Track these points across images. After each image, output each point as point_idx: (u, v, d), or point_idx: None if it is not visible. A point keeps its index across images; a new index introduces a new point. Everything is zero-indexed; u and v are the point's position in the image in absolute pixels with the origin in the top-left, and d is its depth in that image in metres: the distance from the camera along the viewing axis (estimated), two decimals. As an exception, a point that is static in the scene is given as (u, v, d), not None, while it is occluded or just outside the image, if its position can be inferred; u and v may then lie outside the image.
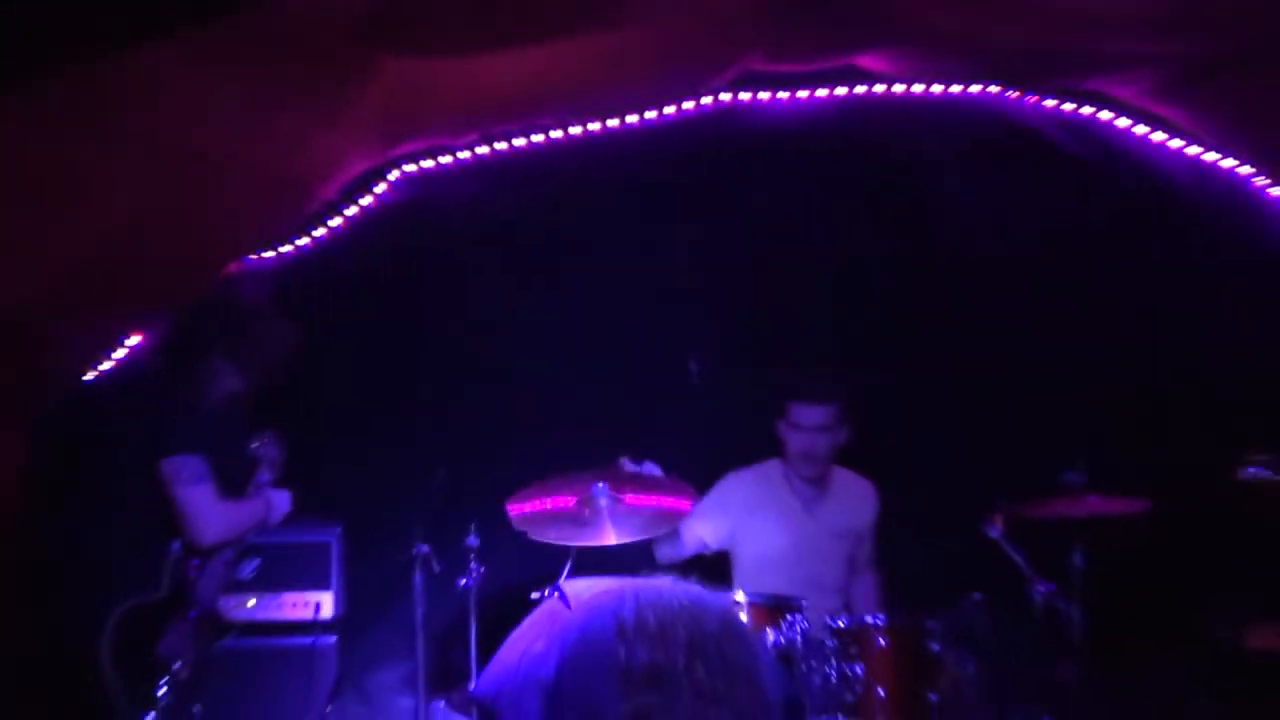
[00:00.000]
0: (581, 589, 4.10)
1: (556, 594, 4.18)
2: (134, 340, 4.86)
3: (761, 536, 5.39)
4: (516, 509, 4.57)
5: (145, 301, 4.69)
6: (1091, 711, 5.06)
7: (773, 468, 5.46)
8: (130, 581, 4.37)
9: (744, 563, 5.41)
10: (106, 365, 4.93)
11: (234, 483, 4.51)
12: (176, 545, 4.41)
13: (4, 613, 4.85)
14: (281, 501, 4.69)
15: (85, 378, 4.89)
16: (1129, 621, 5.31)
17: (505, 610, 5.12)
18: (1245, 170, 5.24)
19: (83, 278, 4.12)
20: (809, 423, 5.29)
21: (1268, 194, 5.25)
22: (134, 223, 4.06)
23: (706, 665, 3.56)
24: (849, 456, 5.49)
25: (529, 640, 3.98)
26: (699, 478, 5.12)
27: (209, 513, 4.37)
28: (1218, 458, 5.39)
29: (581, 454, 4.86)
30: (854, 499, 5.50)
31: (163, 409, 4.44)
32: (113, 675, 4.22)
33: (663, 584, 3.93)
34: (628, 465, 4.75)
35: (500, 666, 4.03)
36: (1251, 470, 4.75)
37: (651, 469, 4.84)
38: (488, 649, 5.22)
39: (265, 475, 4.66)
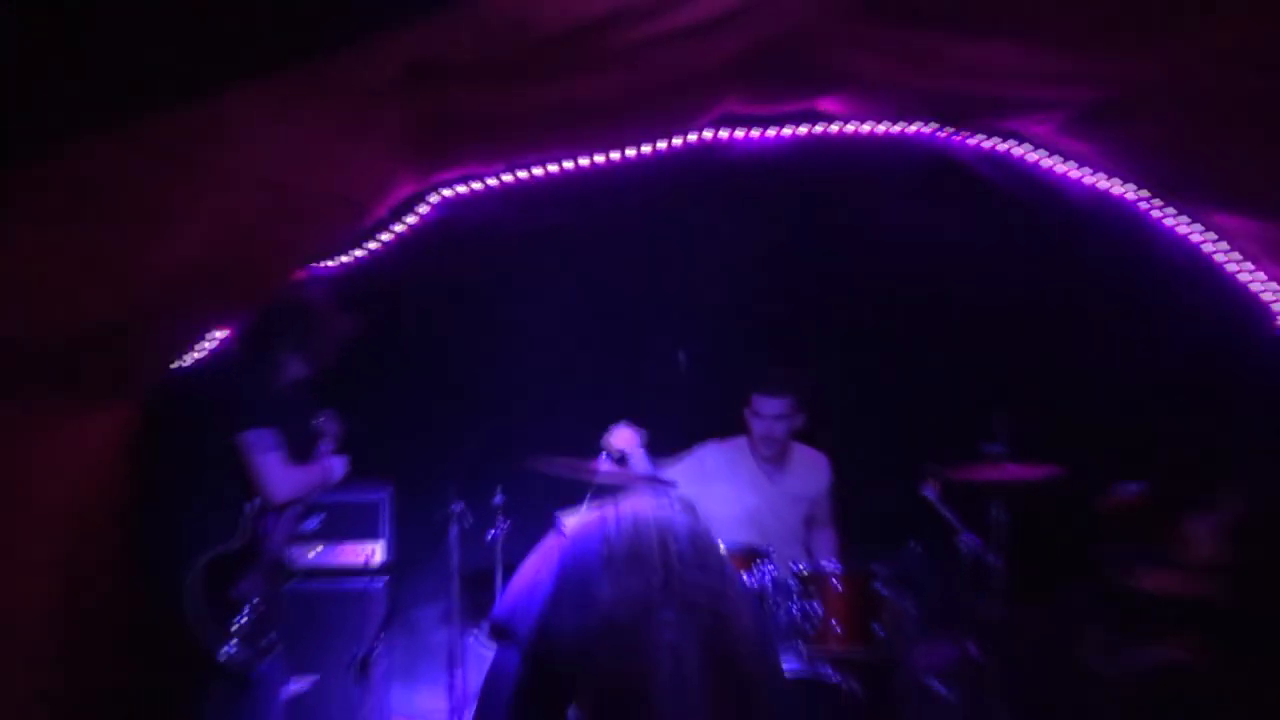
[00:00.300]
0: (575, 519, 4.11)
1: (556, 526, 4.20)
2: (220, 334, 4.87)
3: (732, 498, 5.43)
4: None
5: (227, 303, 4.65)
6: (1008, 640, 5.13)
7: (742, 444, 5.50)
8: (213, 534, 4.42)
9: (717, 519, 5.33)
10: (196, 354, 4.95)
11: (300, 451, 4.55)
12: (252, 504, 4.49)
13: (110, 561, 4.94)
14: (338, 467, 4.72)
15: (177, 365, 4.89)
16: (1040, 566, 5.30)
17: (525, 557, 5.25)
18: (1134, 194, 5.27)
19: (175, 285, 4.07)
20: (769, 412, 5.36)
21: (1151, 214, 5.28)
22: (218, 240, 4.02)
23: (679, 549, 3.59)
24: (808, 435, 5.52)
25: (534, 566, 4.00)
26: (682, 443, 5.21)
27: (279, 476, 4.43)
28: (1112, 435, 5.51)
29: (589, 428, 4.98)
30: (809, 470, 5.54)
31: (242, 390, 4.51)
32: (201, 611, 4.27)
33: (644, 501, 3.95)
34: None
35: (511, 591, 4.03)
36: (1128, 488, 4.78)
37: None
38: None
39: (326, 445, 4.70)
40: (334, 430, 4.85)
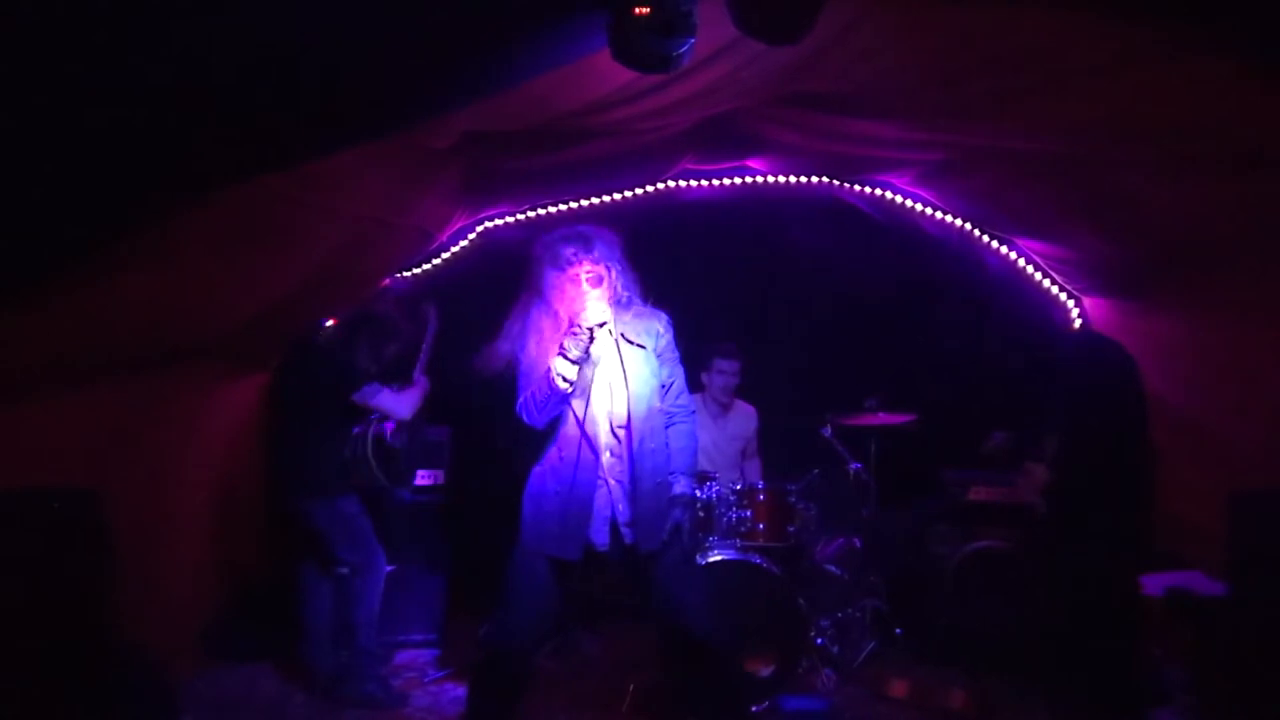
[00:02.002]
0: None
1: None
2: (329, 322, 4.88)
3: None
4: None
5: (334, 302, 4.74)
6: (880, 533, 5.21)
7: (697, 398, 5.45)
8: (327, 453, 4.52)
9: None
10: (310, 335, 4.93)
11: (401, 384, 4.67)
12: (358, 429, 4.58)
13: (249, 473, 4.98)
14: (425, 383, 4.76)
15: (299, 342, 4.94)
16: (903, 485, 5.35)
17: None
18: (966, 226, 5.31)
19: (298, 290, 4.10)
20: (728, 369, 5.35)
21: (980, 239, 5.32)
22: (328, 258, 4.06)
23: None
24: (745, 393, 5.54)
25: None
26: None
27: (396, 401, 4.54)
28: (954, 392, 5.58)
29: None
30: (744, 417, 5.52)
31: (350, 360, 4.59)
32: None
33: None
34: None
35: None
36: (995, 438, 4.79)
37: None
38: None
39: (419, 372, 4.77)
40: (434, 320, 4.86)
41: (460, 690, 4.73)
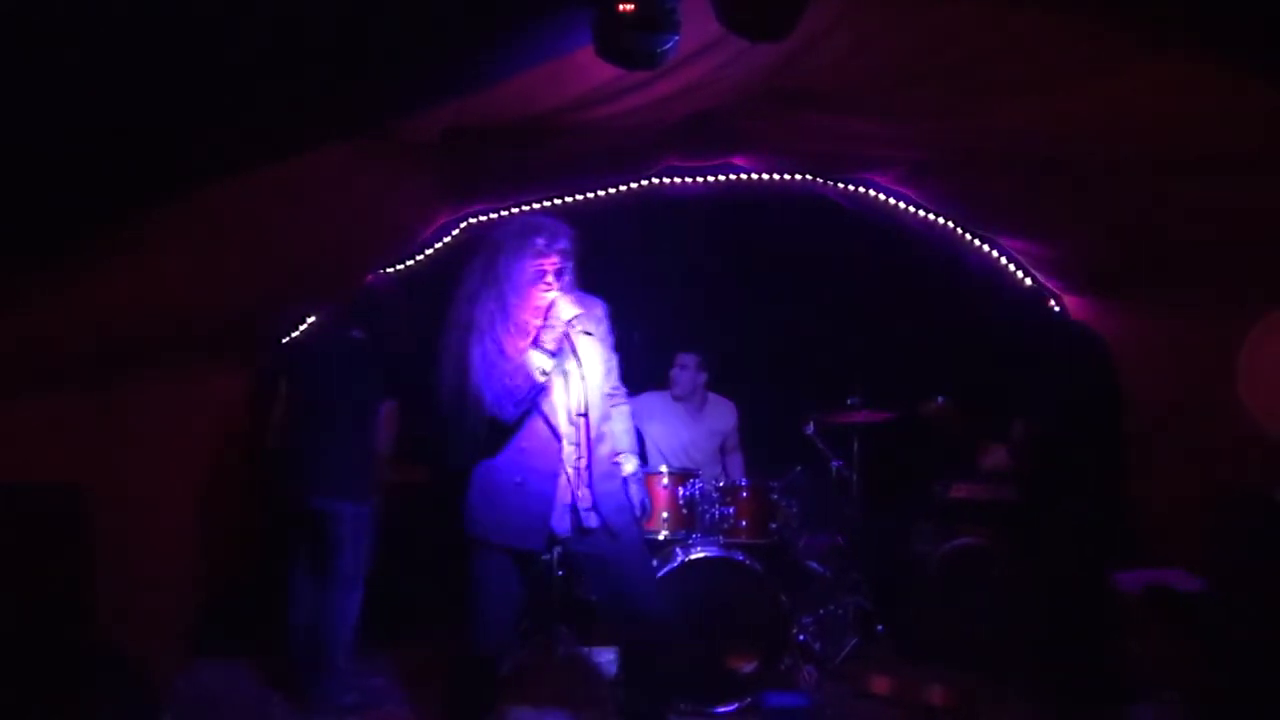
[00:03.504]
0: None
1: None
2: (312, 318, 4.86)
3: (670, 434, 5.39)
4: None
5: (318, 298, 4.72)
6: (864, 531, 5.22)
7: (668, 394, 5.45)
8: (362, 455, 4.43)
9: (659, 447, 5.39)
10: (295, 333, 4.95)
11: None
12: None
13: (236, 468, 4.92)
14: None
15: (283, 340, 4.92)
16: (884, 482, 5.38)
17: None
18: (946, 223, 5.33)
19: (282, 286, 4.11)
20: (687, 363, 5.36)
21: (963, 237, 5.35)
22: (314, 253, 4.06)
23: None
24: (726, 389, 5.52)
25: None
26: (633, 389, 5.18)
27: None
28: (938, 387, 5.57)
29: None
30: (722, 411, 5.49)
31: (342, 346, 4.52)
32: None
33: None
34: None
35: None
36: (937, 400, 4.80)
37: None
38: None
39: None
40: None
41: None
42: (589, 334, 3.58)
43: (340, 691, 4.38)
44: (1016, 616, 4.74)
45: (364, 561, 4.45)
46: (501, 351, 3.41)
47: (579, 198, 5.44)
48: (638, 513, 3.71)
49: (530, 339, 3.42)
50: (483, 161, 4.31)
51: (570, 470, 3.51)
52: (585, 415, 3.53)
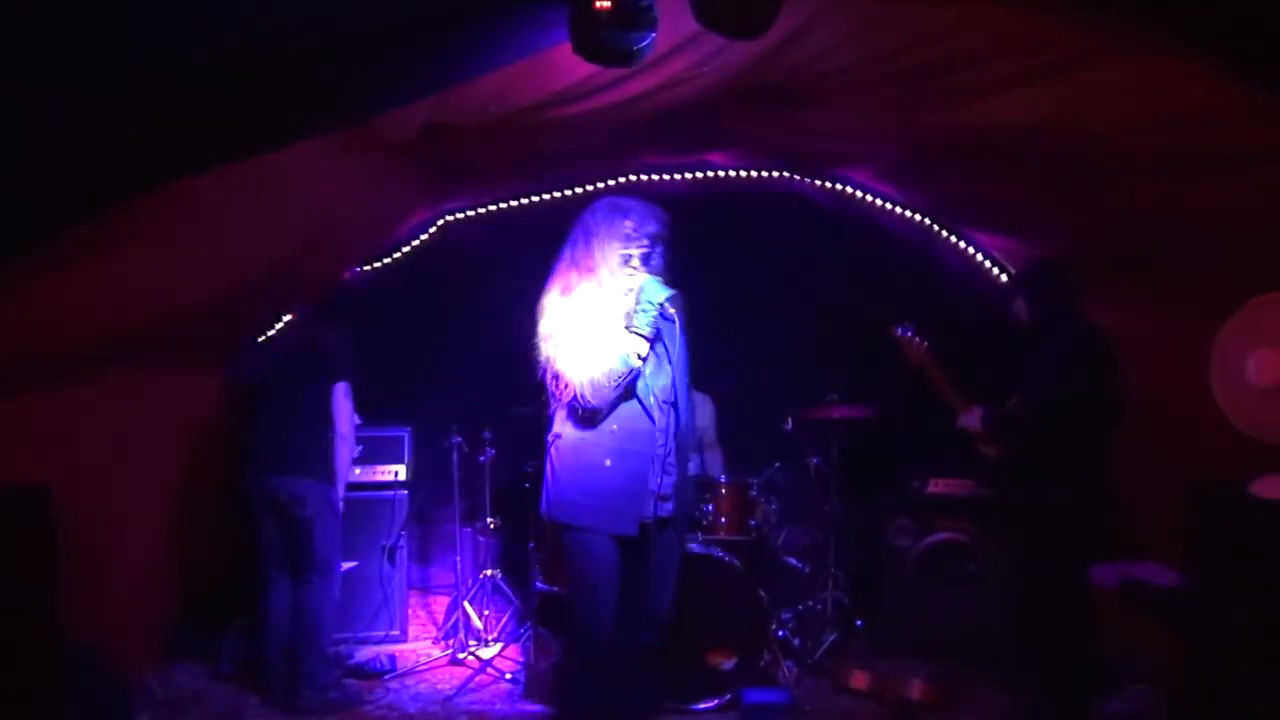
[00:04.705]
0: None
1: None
2: (287, 317, 4.81)
3: None
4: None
5: (291, 297, 4.68)
6: (843, 527, 5.22)
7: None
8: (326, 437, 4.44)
9: None
10: (270, 331, 4.89)
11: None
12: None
13: (207, 467, 4.87)
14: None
15: (254, 339, 4.85)
16: (862, 478, 5.36)
17: (509, 474, 5.23)
18: (922, 220, 5.36)
19: (253, 287, 4.06)
20: None
21: (940, 233, 5.36)
22: (285, 251, 4.02)
23: None
24: (700, 385, 5.50)
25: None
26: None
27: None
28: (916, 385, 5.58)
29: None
30: (699, 406, 5.21)
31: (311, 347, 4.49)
32: None
33: None
34: None
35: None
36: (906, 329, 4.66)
37: None
38: (499, 501, 5.30)
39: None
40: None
41: (422, 686, 4.72)
42: (672, 319, 3.47)
43: (324, 687, 4.38)
44: (994, 611, 4.77)
45: (337, 549, 4.47)
46: (588, 336, 3.36)
47: (556, 194, 5.42)
48: (695, 513, 3.59)
49: (624, 324, 3.38)
50: (460, 158, 4.29)
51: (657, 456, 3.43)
52: (674, 403, 3.47)
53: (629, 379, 3.37)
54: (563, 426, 3.49)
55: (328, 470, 4.43)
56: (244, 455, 4.46)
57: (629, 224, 3.44)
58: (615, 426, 3.39)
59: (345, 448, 4.52)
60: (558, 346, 3.38)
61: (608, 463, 3.37)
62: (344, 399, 4.47)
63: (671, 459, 3.45)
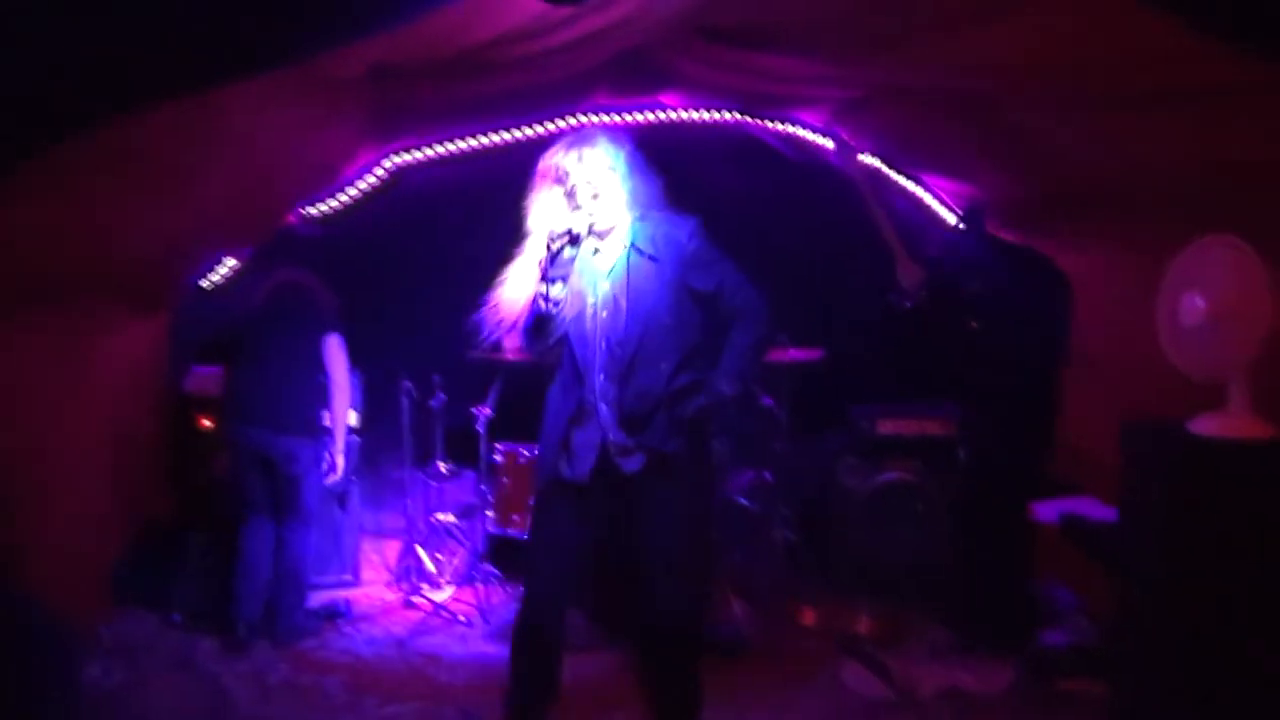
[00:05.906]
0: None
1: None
2: (230, 261, 4.76)
3: None
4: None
5: (235, 240, 4.63)
6: (792, 467, 5.30)
7: None
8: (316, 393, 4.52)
9: None
10: (213, 276, 4.86)
11: None
12: None
13: (149, 412, 4.85)
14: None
15: (200, 284, 4.81)
16: (811, 419, 5.44)
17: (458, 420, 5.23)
18: (878, 163, 5.38)
19: (195, 228, 3.99)
20: None
21: (891, 176, 5.40)
22: (229, 193, 3.92)
23: None
24: None
25: None
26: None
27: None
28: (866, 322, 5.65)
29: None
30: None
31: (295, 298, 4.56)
32: None
33: None
34: None
35: None
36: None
37: None
38: (450, 445, 5.30)
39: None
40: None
41: (377, 630, 4.75)
42: (652, 257, 3.19)
43: (290, 611, 4.50)
44: (939, 548, 4.88)
45: (321, 498, 4.61)
46: (514, 282, 3.18)
47: (506, 135, 5.36)
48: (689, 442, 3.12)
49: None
50: (408, 97, 4.21)
51: (604, 406, 3.11)
52: (629, 346, 3.10)
53: (543, 325, 3.14)
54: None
55: (316, 425, 4.52)
56: (231, 408, 4.49)
57: (556, 155, 3.23)
58: (562, 376, 3.23)
59: (342, 397, 4.56)
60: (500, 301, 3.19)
61: (560, 409, 3.21)
62: (338, 350, 4.51)
63: (606, 412, 3.11)
